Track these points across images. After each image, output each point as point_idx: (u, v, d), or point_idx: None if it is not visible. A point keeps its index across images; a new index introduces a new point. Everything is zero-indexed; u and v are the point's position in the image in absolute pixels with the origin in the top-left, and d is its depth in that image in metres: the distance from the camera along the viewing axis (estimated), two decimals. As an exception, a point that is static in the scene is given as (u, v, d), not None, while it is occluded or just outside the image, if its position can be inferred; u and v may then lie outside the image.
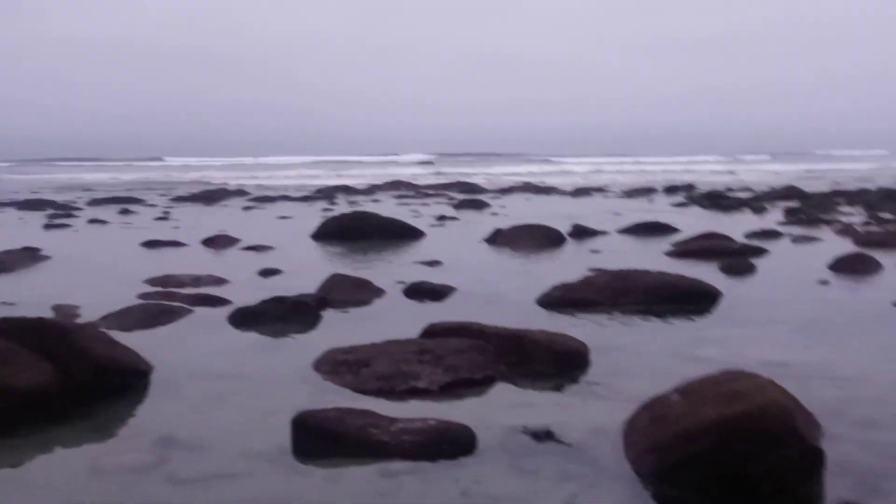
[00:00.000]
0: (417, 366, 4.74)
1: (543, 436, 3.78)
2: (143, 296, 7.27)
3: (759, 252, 10.12)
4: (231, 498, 3.27)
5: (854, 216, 15.45)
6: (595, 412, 4.12)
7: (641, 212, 16.61)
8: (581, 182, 32.98)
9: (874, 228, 13.04)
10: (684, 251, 10.18)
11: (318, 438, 3.70)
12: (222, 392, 4.58)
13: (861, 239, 11.45)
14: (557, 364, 4.87)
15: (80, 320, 6.13)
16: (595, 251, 10.61)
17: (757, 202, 19.51)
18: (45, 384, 4.22)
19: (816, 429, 3.60)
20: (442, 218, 15.75)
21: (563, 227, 12.25)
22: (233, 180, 33.73)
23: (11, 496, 3.31)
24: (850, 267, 8.80)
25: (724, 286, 7.51)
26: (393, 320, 6.28)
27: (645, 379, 4.52)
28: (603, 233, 12.64)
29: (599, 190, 27.39)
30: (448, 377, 4.61)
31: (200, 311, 6.70)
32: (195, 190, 26.29)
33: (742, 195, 22.56)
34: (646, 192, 25.83)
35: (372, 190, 27.14)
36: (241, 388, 4.64)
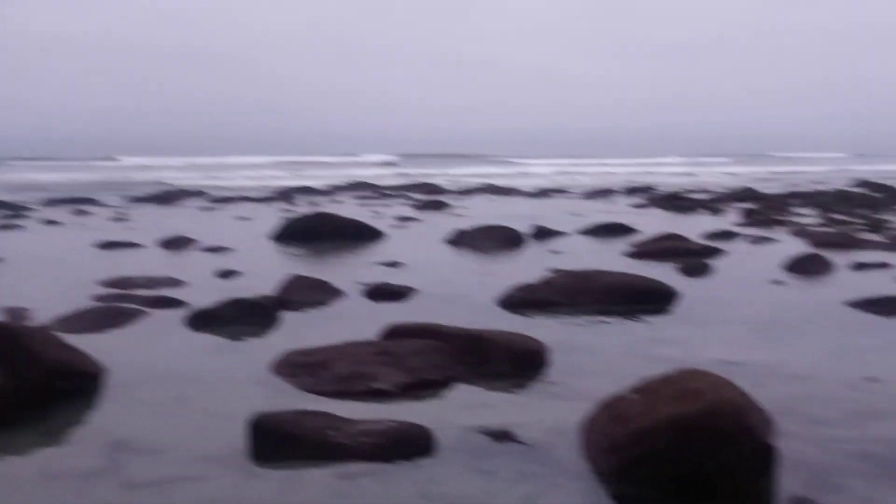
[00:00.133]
0: (376, 367, 4.72)
1: (502, 436, 3.79)
2: (98, 298, 7.15)
3: (716, 253, 10.26)
4: (185, 502, 3.23)
5: (809, 218, 15.74)
6: (553, 412, 4.14)
7: (602, 213, 16.74)
8: (543, 183, 33.15)
9: (828, 230, 13.30)
10: (643, 252, 10.28)
11: (274, 441, 3.67)
12: (177, 395, 4.51)
13: (815, 240, 11.66)
14: (516, 364, 4.88)
15: (31, 323, 6.00)
16: (555, 252, 10.67)
17: (714, 204, 19.77)
18: (-6, 388, 4.12)
19: (770, 426, 3.65)
20: (403, 219, 15.73)
21: (524, 229, 12.30)
22: (191, 181, 33.34)
23: (-43, 503, 3.23)
24: (804, 267, 8.96)
25: (682, 286, 7.59)
26: (352, 321, 6.24)
27: (603, 378, 4.54)
28: (563, 234, 12.71)
29: (560, 191, 27.54)
30: (407, 378, 4.60)
31: (156, 313, 6.60)
32: (152, 190, 25.93)
33: (700, 197, 22.85)
34: (606, 193, 26.05)
35: (333, 191, 26.98)
36: (197, 391, 4.58)
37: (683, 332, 6.04)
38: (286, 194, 24.57)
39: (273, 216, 15.60)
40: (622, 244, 11.20)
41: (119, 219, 16.31)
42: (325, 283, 7.52)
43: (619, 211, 18.11)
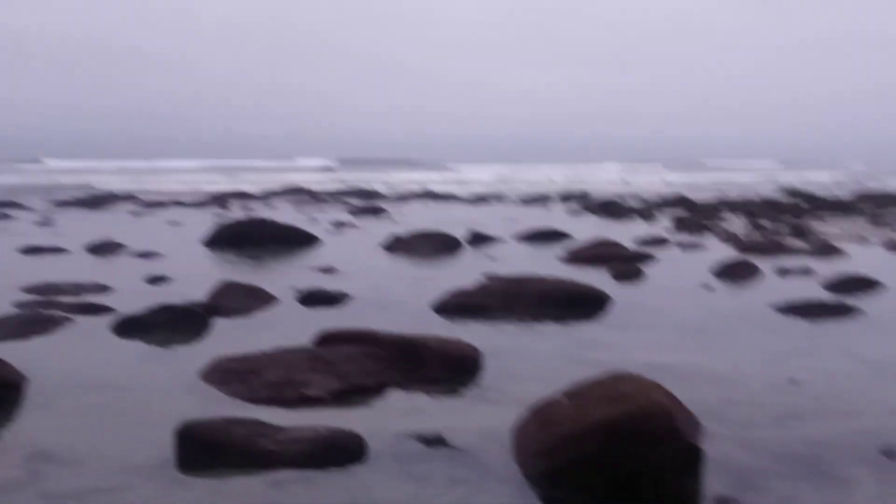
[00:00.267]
0: (309, 373, 4.66)
1: (434, 441, 3.78)
2: (20, 304, 6.91)
3: (648, 259, 10.44)
4: (107, 514, 3.13)
5: (737, 224, 16.15)
6: (486, 417, 4.14)
7: (537, 219, 16.90)
8: (480, 190, 33.34)
9: (755, 236, 13.67)
10: (577, 257, 10.41)
11: (202, 449, 3.59)
12: (102, 404, 4.38)
13: (743, 246, 11.97)
14: (450, 370, 4.88)
15: (-52, 331, 5.77)
16: (491, 258, 10.72)
17: (647, 210, 20.15)
18: None
19: (697, 428, 3.72)
20: (339, 225, 15.63)
21: (461, 234, 12.34)
22: (121, 185, 32.57)
23: None
24: (732, 273, 9.18)
25: (615, 291, 7.70)
26: (285, 328, 6.17)
27: (536, 383, 4.57)
28: (500, 240, 12.79)
29: (498, 197, 27.74)
30: (340, 384, 4.56)
31: (82, 320, 6.41)
32: (80, 194, 25.25)
33: (633, 203, 23.27)
34: (543, 199, 26.32)
35: (268, 196, 26.69)
36: (123, 400, 4.46)
37: (615, 336, 6.13)
38: (220, 199, 24.20)
39: (206, 221, 15.34)
40: (557, 250, 11.32)
41: (44, 223, 15.83)
42: (258, 288, 7.41)
43: (554, 217, 18.32)
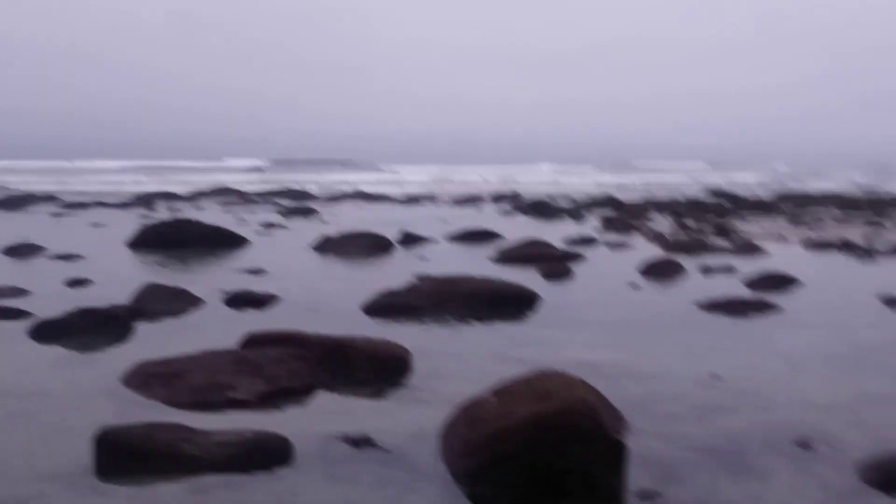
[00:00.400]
0: (235, 376, 4.58)
1: (362, 443, 3.75)
2: (-70, 309, 6.62)
3: (577, 258, 10.59)
4: (20, 525, 3.02)
5: (663, 224, 16.50)
6: (415, 417, 4.13)
7: (469, 219, 16.97)
8: (413, 190, 33.35)
9: (681, 235, 13.99)
10: (508, 257, 10.49)
11: (123, 456, 3.49)
12: (18, 410, 4.23)
13: (668, 245, 12.25)
14: (379, 370, 4.85)
15: None
16: (423, 258, 10.72)
17: (577, 210, 20.44)
18: None
19: (621, 424, 3.79)
20: (269, 225, 15.43)
21: (393, 235, 12.31)
22: (41, 185, 31.53)
23: None
24: (658, 271, 9.38)
25: (544, 290, 7.79)
26: (211, 330, 6.05)
27: (465, 382, 4.57)
28: (431, 240, 12.81)
29: (430, 198, 27.78)
30: (266, 387, 4.49)
31: (-3, 325, 6.18)
32: (-3, 195, 24.38)
33: (564, 204, 23.57)
34: (475, 200, 26.46)
35: (196, 196, 26.19)
36: (40, 406, 4.30)
37: (544, 334, 6.19)
38: (146, 200, 23.65)
39: (131, 223, 14.96)
40: (488, 250, 11.40)
41: (-42, 225, 15.22)
42: (183, 291, 7.26)
43: (486, 217, 18.43)
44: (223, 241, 11.80)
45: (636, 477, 3.34)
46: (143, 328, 6.22)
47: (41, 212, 19.66)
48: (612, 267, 9.95)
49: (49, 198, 24.41)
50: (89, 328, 5.93)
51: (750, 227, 15.62)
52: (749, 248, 11.74)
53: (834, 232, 14.64)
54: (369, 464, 3.55)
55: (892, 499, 3.21)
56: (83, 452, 3.51)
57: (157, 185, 32.56)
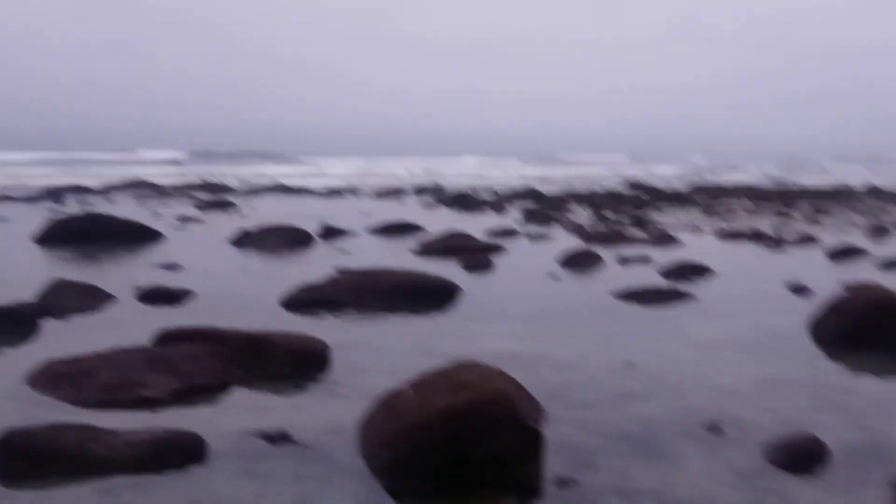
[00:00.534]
0: (146, 374, 4.45)
1: (278, 438, 3.69)
2: None
3: (498, 250, 10.67)
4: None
5: (583, 215, 16.77)
6: (333, 411, 4.09)
7: (391, 212, 16.92)
8: (335, 183, 33.05)
9: (599, 227, 14.24)
10: (429, 250, 10.50)
11: (27, 459, 3.36)
12: (-88, 415, 4.01)
13: (587, 236, 12.45)
14: (297, 365, 4.79)
15: None
16: (343, 251, 10.64)
17: (499, 203, 20.59)
18: None
19: (538, 412, 3.81)
20: (185, 219, 15.07)
21: (313, 228, 12.18)
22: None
23: None
24: (577, 262, 9.53)
25: (465, 282, 7.82)
26: (123, 327, 5.87)
27: (385, 375, 4.56)
28: (352, 233, 12.72)
29: (352, 191, 27.59)
30: (179, 384, 4.38)
31: None
32: None
33: (486, 196, 23.72)
34: (397, 193, 26.41)
35: (109, 190, 25.38)
36: (-64, 410, 4.09)
37: (464, 326, 6.21)
38: (55, 193, 22.80)
39: (38, 217, 14.40)
40: (410, 242, 11.38)
41: None
42: (94, 287, 7.02)
43: (408, 210, 18.41)
44: (136, 236, 11.47)
45: (552, 464, 3.39)
46: (50, 326, 5.99)
47: (-58, 206, 18.76)
48: (533, 258, 10.06)
49: (-50, 192, 23.32)
50: (-8, 327, 5.68)
51: (666, 219, 16.02)
52: (665, 239, 12.03)
53: (745, 222, 15.14)
54: (285, 459, 3.50)
55: (794, 477, 3.33)
56: (-17, 456, 3.35)
57: (66, 179, 31.41)
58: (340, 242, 11.68)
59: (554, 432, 3.65)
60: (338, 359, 5.01)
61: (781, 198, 22.25)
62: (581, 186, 30.06)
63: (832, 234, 13.16)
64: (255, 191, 26.58)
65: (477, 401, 3.20)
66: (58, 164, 42.82)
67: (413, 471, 3.19)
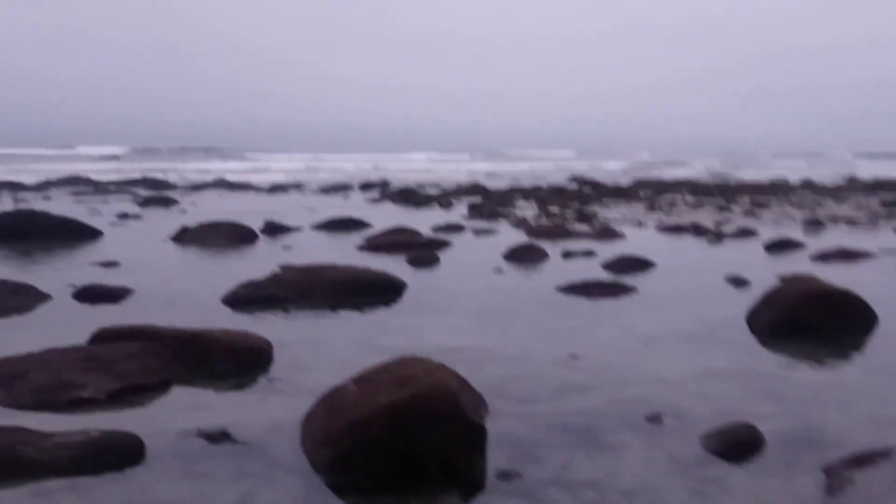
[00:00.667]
0: (82, 374, 4.34)
1: (219, 437, 3.64)
2: None
3: (444, 245, 10.68)
4: None
5: (528, 210, 16.89)
6: (275, 409, 4.05)
7: (336, 208, 16.81)
8: (279, 179, 32.72)
9: (543, 221, 14.35)
10: (374, 245, 10.46)
11: (-46, 464, 3.24)
12: None
13: (532, 230, 12.54)
14: (238, 363, 4.72)
15: None
16: (287, 247, 10.54)
17: (445, 198, 20.62)
18: None
19: (482, 406, 3.82)
20: (124, 216, 14.76)
21: (256, 224, 12.03)
22: None
23: None
24: (522, 257, 9.59)
25: (410, 278, 7.81)
26: (58, 327, 5.72)
27: (328, 372, 4.52)
28: (296, 229, 12.61)
29: (296, 186, 27.35)
30: (117, 384, 4.28)
31: None
32: None
33: (432, 192, 23.73)
34: (342, 188, 26.25)
35: (45, 186, 24.74)
36: None
37: (409, 321, 6.20)
38: (-12, 190, 22.13)
39: (-30, 214, 13.95)
40: (355, 238, 11.33)
41: None
42: (27, 286, 6.83)
43: (353, 206, 18.31)
44: (73, 233, 11.18)
45: (496, 458, 3.40)
46: (-19, 327, 5.81)
47: None
48: (478, 253, 10.10)
49: None
50: (-81, 328, 5.49)
51: (610, 213, 16.22)
52: (608, 233, 12.18)
53: (687, 216, 15.41)
54: (226, 458, 3.45)
55: (731, 465, 3.40)
56: None
57: None
58: (284, 239, 11.57)
59: (498, 426, 3.66)
60: (280, 356, 4.96)
61: (722, 192, 22.71)
62: (528, 182, 30.27)
63: (770, 227, 13.48)
64: (197, 187, 26.18)
65: (419, 396, 3.19)
66: (-9, 160, 41.58)
67: (356, 467, 3.17)
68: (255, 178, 31.50)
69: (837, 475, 3.19)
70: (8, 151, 49.88)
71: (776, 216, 15.71)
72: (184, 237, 11.06)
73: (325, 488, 3.16)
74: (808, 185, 26.56)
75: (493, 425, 3.55)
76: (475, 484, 3.21)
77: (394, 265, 8.58)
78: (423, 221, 13.53)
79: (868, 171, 39.77)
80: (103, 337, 4.88)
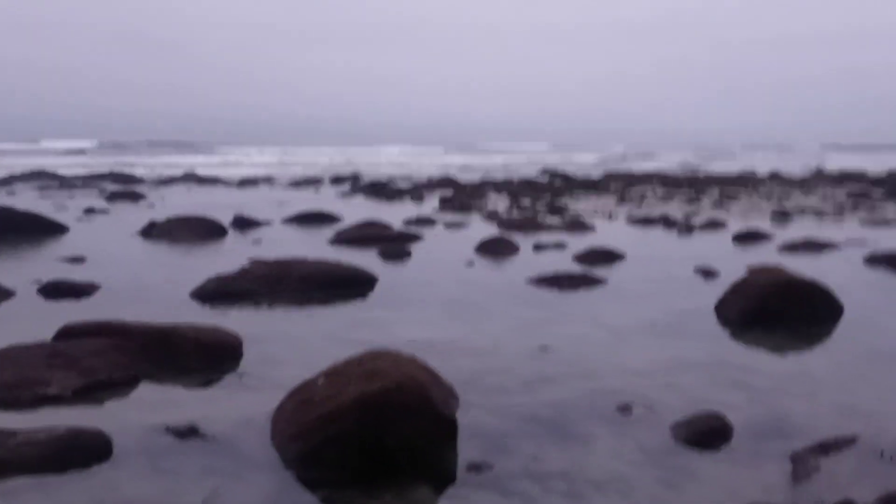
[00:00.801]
0: (47, 371, 4.28)
1: (187, 433, 3.60)
2: None
3: (415, 238, 10.66)
4: None
5: (500, 203, 16.90)
6: (244, 404, 4.01)
7: (307, 201, 16.71)
8: (249, 172, 32.45)
9: (515, 214, 14.38)
10: (346, 239, 10.42)
11: (-85, 464, 3.18)
12: None
13: (503, 223, 12.56)
14: (207, 358, 4.68)
15: None
16: (257, 241, 10.46)
17: (417, 192, 20.57)
18: None
19: (452, 399, 3.82)
20: (90, 211, 14.56)
21: (226, 218, 11.93)
22: None
23: None
24: (493, 249, 9.60)
25: (381, 271, 7.79)
26: (23, 323, 5.62)
27: (299, 366, 4.49)
28: (266, 223, 12.51)
29: (267, 180, 27.13)
30: (83, 381, 4.22)
31: None
32: None
33: (404, 185, 23.67)
34: (314, 182, 26.09)
35: (8, 181, 24.33)
36: None
37: (380, 314, 6.18)
38: (-48, 186, 21.72)
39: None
40: (326, 232, 11.27)
41: None
42: (-9, 282, 6.71)
43: (324, 199, 18.20)
44: (38, 229, 11.00)
45: (466, 450, 3.40)
46: (-57, 324, 5.70)
47: None
48: (449, 246, 10.09)
49: None
50: None
51: (581, 205, 16.28)
52: (579, 226, 12.23)
53: (657, 208, 15.51)
54: (195, 454, 3.41)
55: (699, 454, 3.43)
56: None
57: (-36, 170, 29.95)
58: (254, 233, 11.48)
59: (468, 418, 3.66)
60: (250, 351, 4.92)
61: (692, 184, 22.90)
62: (500, 175, 30.30)
63: (738, 218, 13.62)
64: (166, 181, 25.89)
65: (389, 389, 3.18)
66: (-46, 154, 40.81)
67: (326, 461, 3.16)
68: (225, 173, 31.21)
69: (803, 462, 3.23)
70: (-29, 146, 49.00)
71: (745, 208, 15.87)
72: (152, 232, 10.93)
73: (296, 483, 3.14)
74: (776, 177, 26.87)
75: (463, 417, 3.55)
76: (446, 476, 3.21)
77: (365, 259, 8.55)
78: (395, 215, 13.49)
79: (835, 162, 40.32)
80: (69, 333, 4.81)
